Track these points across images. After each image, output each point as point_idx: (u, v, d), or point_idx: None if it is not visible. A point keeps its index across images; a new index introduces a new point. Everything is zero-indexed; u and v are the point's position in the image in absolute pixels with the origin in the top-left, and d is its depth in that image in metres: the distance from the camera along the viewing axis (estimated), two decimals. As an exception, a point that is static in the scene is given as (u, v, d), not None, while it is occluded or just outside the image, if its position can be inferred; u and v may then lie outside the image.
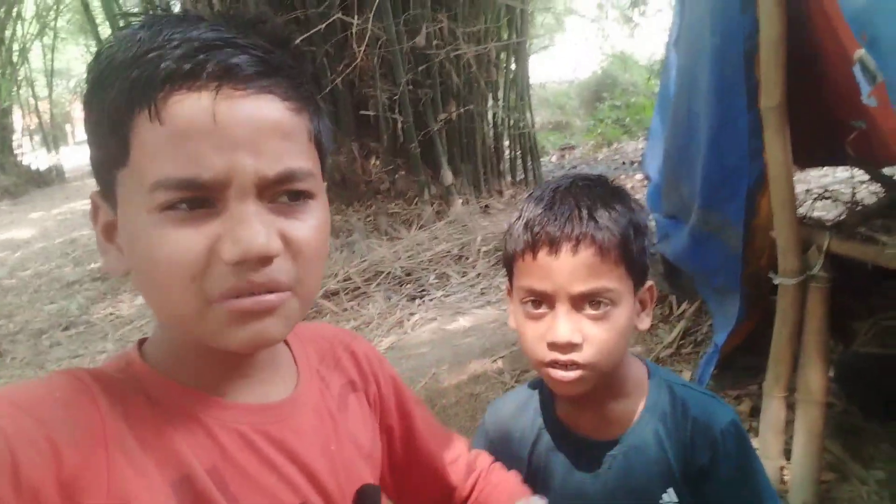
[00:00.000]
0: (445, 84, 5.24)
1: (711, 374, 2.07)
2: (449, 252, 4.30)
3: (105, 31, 5.64)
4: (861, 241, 1.60)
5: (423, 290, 3.83)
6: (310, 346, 0.80)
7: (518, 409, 1.04)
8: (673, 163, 2.48)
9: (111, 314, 4.26)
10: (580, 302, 0.85)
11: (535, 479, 0.99)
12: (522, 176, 6.38)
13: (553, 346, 0.86)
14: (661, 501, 0.91)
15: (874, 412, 1.88)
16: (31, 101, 13.40)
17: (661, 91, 3.14)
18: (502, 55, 6.05)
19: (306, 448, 0.69)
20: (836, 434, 1.83)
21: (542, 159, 7.12)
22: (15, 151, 12.67)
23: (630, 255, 0.86)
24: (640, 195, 4.16)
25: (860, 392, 1.92)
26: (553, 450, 0.98)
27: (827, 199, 2.23)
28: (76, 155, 15.39)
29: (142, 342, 0.68)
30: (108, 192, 0.61)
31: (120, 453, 0.56)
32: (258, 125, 0.57)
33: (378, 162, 5.15)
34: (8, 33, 11.43)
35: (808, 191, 2.28)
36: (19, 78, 12.74)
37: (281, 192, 0.60)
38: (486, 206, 5.42)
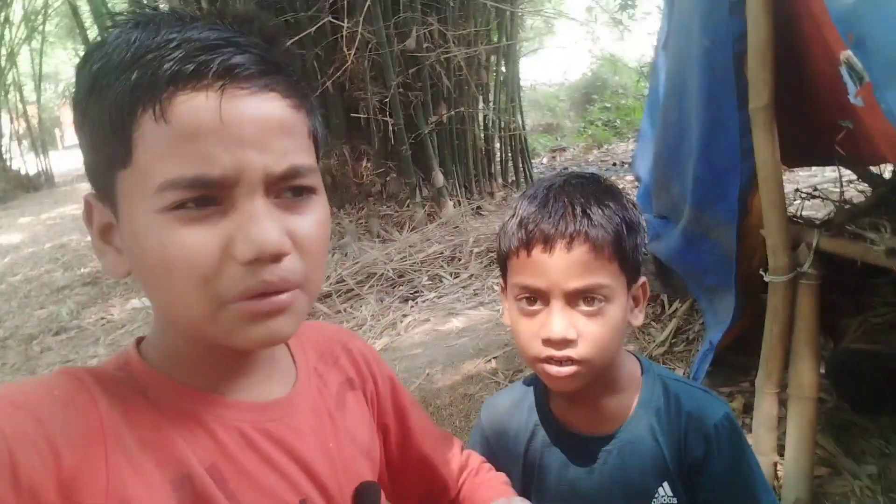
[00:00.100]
0: (436, 87, 5.24)
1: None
2: (441, 254, 4.30)
3: (94, 34, 5.62)
4: (850, 239, 1.61)
5: (416, 292, 3.82)
6: (308, 345, 0.80)
7: (513, 406, 1.05)
8: (663, 163, 2.50)
9: (102, 319, 4.23)
10: (574, 298, 0.86)
11: (531, 475, 1.00)
12: (514, 178, 6.39)
13: (548, 342, 0.86)
14: (656, 496, 0.92)
15: (865, 407, 1.90)
16: (20, 105, 13.28)
17: (650, 93, 3.16)
18: (492, 58, 6.06)
19: (306, 446, 0.69)
20: (827, 430, 1.85)
21: (533, 161, 7.14)
22: (3, 156, 12.55)
23: (623, 252, 0.87)
24: (631, 196, 4.17)
25: (851, 388, 1.93)
26: (548, 446, 0.99)
27: (816, 198, 2.24)
28: (65, 159, 15.27)
29: (139, 341, 0.68)
30: (105, 193, 0.61)
31: (119, 452, 0.56)
32: (263, 123, 0.58)
33: (369, 164, 5.15)
34: (-5, 37, 11.36)
35: (797, 190, 2.30)
36: (7, 82, 12.64)
37: (285, 189, 0.60)
38: (478, 208, 5.43)
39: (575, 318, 0.86)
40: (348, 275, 4.00)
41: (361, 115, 4.96)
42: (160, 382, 0.63)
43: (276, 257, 0.58)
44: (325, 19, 4.53)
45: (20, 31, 11.98)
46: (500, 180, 6.28)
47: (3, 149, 12.66)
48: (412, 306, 3.66)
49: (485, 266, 4.04)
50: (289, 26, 4.54)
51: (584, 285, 0.85)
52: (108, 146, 0.58)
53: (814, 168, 4.32)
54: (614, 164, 7.50)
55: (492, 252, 4.07)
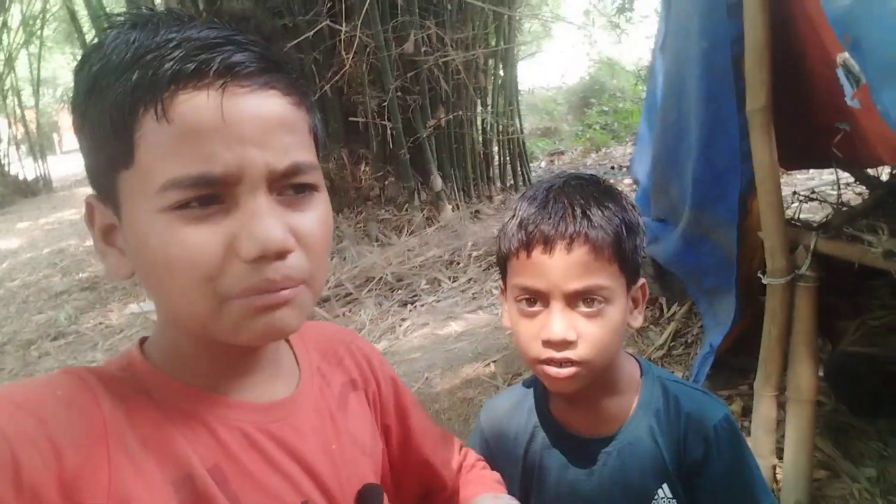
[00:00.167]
0: (434, 90, 5.26)
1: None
2: (440, 257, 4.30)
3: (91, 38, 5.62)
4: (847, 241, 1.62)
5: (415, 296, 3.83)
6: (311, 345, 0.80)
7: (512, 408, 1.05)
8: (662, 166, 2.50)
9: (100, 324, 4.23)
10: (574, 299, 0.86)
11: (531, 476, 1.00)
12: (512, 181, 6.40)
13: (548, 343, 0.86)
14: (655, 497, 0.92)
15: (863, 410, 1.90)
16: (18, 110, 13.28)
17: (647, 96, 3.16)
18: (490, 62, 6.08)
19: (308, 447, 0.69)
20: (826, 432, 1.85)
21: (531, 165, 7.16)
22: (1, 161, 12.55)
23: (623, 253, 0.87)
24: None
25: (849, 391, 1.94)
26: (548, 447, 0.99)
27: (813, 200, 2.25)
28: (63, 164, 15.28)
29: (143, 341, 0.68)
30: (107, 194, 0.61)
31: (121, 452, 0.56)
32: (265, 120, 0.58)
33: (367, 168, 5.15)
34: (-7, 42, 11.37)
35: (794, 193, 2.30)
36: (5, 87, 12.64)
37: (287, 186, 0.61)
38: (477, 212, 5.44)
39: (575, 319, 0.86)
40: (347, 279, 4.00)
41: (360, 119, 4.97)
42: (163, 382, 0.63)
43: (281, 254, 0.58)
44: (324, 23, 4.54)
45: (18, 35, 11.98)
46: (498, 184, 6.30)
47: (2, 154, 12.65)
48: (411, 310, 3.66)
49: (483, 270, 4.05)
50: (287, 30, 4.55)
51: (583, 286, 0.85)
52: (110, 147, 0.58)
53: (811, 171, 4.34)
54: (612, 168, 7.52)
55: (490, 256, 4.07)
